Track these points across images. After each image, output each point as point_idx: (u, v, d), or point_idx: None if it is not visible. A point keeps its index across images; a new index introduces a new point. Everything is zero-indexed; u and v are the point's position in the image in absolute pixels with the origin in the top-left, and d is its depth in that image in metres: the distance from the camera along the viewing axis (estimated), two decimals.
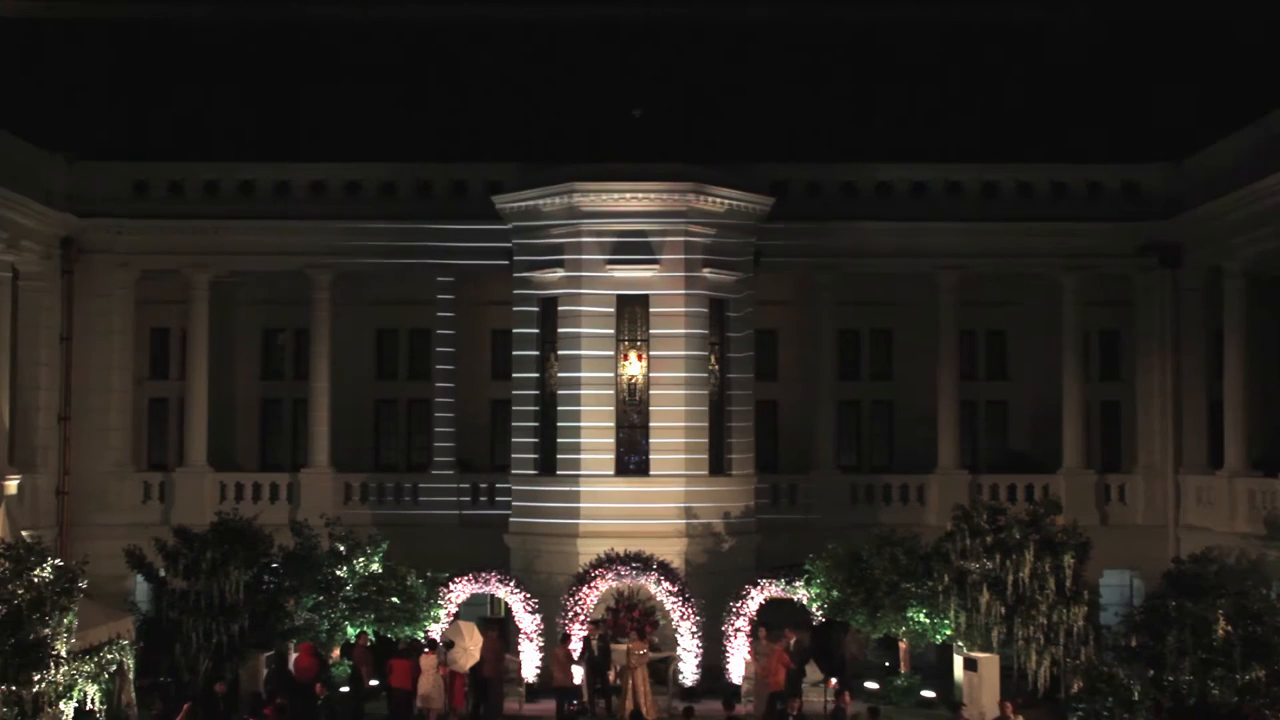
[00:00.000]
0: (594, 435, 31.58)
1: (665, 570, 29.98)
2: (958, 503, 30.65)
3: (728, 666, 30.07)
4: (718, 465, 32.43)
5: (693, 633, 29.72)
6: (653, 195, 31.61)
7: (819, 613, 30.31)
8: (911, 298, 36.47)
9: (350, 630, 29.63)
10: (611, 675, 28.63)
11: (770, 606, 30.71)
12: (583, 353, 31.75)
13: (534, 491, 32.37)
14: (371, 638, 29.56)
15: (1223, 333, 32.67)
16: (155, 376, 37.42)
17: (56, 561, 22.11)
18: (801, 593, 30.43)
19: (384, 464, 37.50)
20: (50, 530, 33.00)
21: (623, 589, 30.37)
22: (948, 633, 28.81)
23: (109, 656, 23.00)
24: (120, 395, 34.68)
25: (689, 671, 29.76)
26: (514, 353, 33.50)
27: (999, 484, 34.85)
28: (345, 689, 28.64)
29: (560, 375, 32.17)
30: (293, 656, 29.04)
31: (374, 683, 28.74)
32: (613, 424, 31.69)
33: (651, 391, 31.77)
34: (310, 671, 27.71)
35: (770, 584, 30.50)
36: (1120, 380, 37.26)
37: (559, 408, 32.12)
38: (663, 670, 29.49)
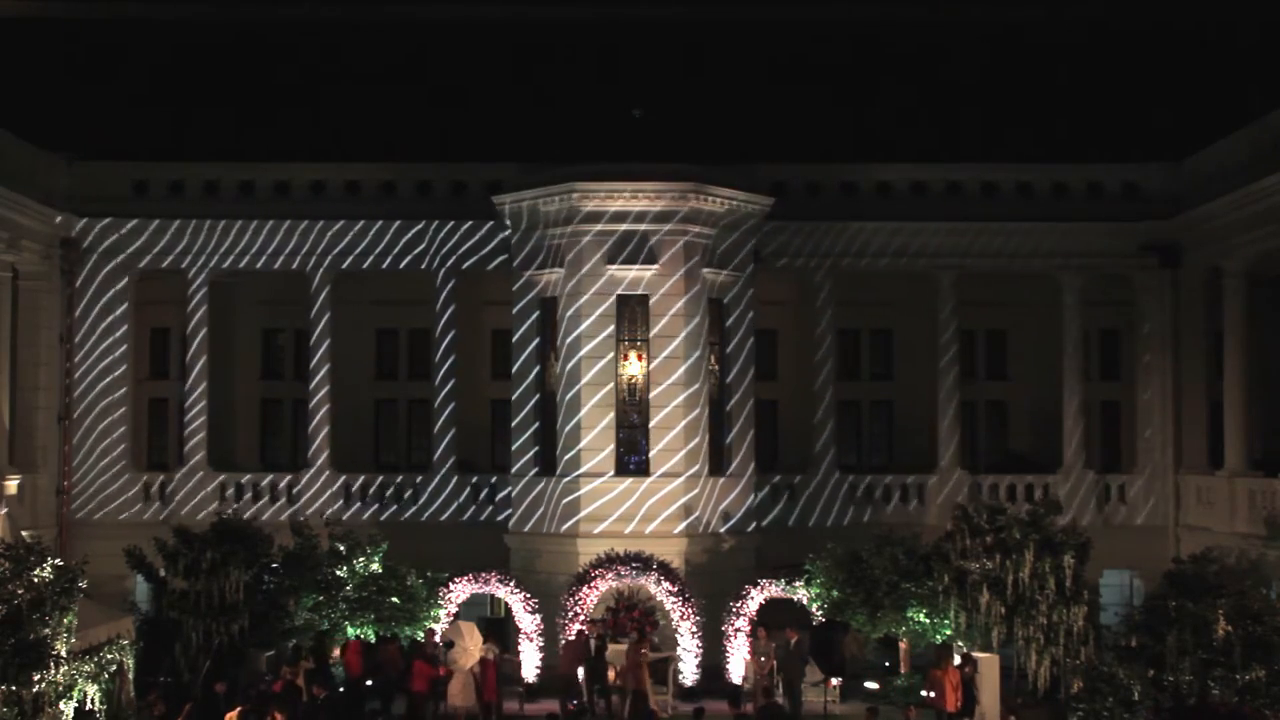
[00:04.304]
0: (594, 435, 31.57)
1: (665, 570, 29.99)
2: (958, 503, 30.67)
3: (728, 666, 30.08)
4: (718, 465, 32.45)
5: (693, 633, 29.73)
6: (653, 195, 31.61)
7: (819, 613, 30.33)
8: (911, 298, 36.46)
9: (350, 630, 29.65)
10: (612, 675, 28.62)
11: (770, 606, 30.72)
12: (583, 353, 31.75)
13: (534, 491, 32.37)
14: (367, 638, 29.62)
15: (1223, 333, 32.65)
16: (155, 376, 37.42)
17: (56, 561, 22.07)
18: (801, 593, 30.45)
19: (384, 464, 37.47)
20: (50, 530, 33.00)
21: (623, 589, 30.38)
22: (948, 633, 28.80)
23: (109, 656, 23.00)
24: (120, 395, 34.67)
25: (689, 671, 29.76)
26: (514, 353, 33.51)
27: (999, 484, 34.86)
28: (343, 689, 28.63)
29: (560, 375, 32.18)
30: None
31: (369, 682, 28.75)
32: (613, 424, 31.69)
33: (651, 391, 31.78)
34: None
35: (770, 584, 30.53)
36: (1120, 380, 37.27)
37: (559, 408, 32.12)
38: (663, 670, 29.48)
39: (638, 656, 27.67)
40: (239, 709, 23.39)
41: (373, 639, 29.55)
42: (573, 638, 28.83)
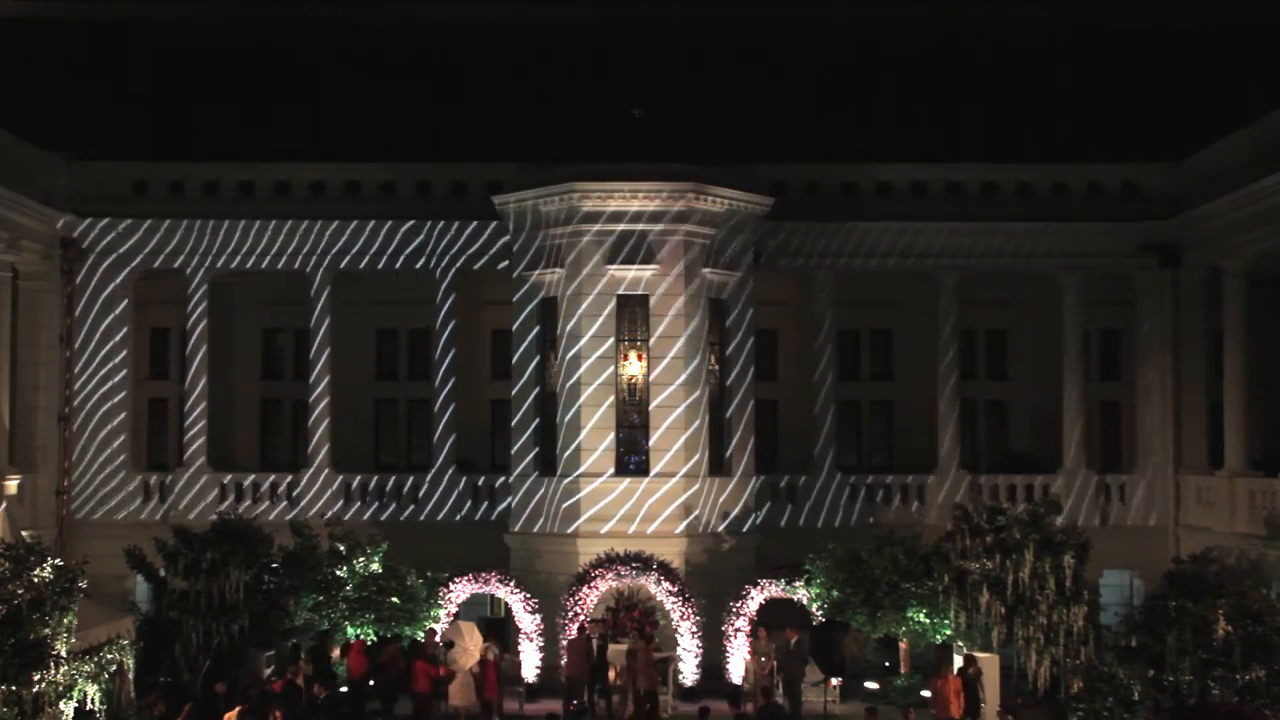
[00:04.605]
0: (594, 435, 31.58)
1: (665, 570, 29.99)
2: (958, 503, 30.65)
3: (728, 666, 30.08)
4: (718, 465, 32.44)
5: (693, 633, 29.73)
6: (653, 195, 31.60)
7: (819, 613, 30.34)
8: (911, 298, 36.46)
9: (350, 630, 29.64)
10: (612, 675, 28.62)
11: (770, 606, 30.72)
12: (583, 353, 31.74)
13: (534, 491, 32.37)
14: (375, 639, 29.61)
15: (1223, 333, 32.66)
16: (155, 376, 37.44)
17: (56, 561, 22.07)
18: (801, 593, 30.45)
19: (384, 464, 37.47)
20: (50, 530, 33.01)
21: (623, 589, 30.38)
22: (948, 633, 28.81)
23: (109, 656, 23.01)
24: (120, 395, 34.66)
25: (689, 671, 29.75)
26: (514, 353, 33.52)
27: (999, 484, 34.85)
28: (346, 689, 28.67)
29: (560, 375, 32.18)
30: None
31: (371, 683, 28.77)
32: (613, 424, 31.68)
33: (651, 391, 31.78)
34: (361, 670, 28.02)
35: (770, 584, 30.53)
36: (1120, 380, 37.27)
37: (559, 408, 32.13)
38: (663, 670, 29.47)
39: (649, 656, 27.72)
40: (239, 709, 23.42)
41: (373, 639, 29.57)
42: (574, 636, 28.83)
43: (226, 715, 23.25)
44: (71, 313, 34.38)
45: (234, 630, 27.35)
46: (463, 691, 27.48)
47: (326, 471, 34.67)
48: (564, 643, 29.43)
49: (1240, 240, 31.43)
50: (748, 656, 29.56)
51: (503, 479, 34.15)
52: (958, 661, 28.12)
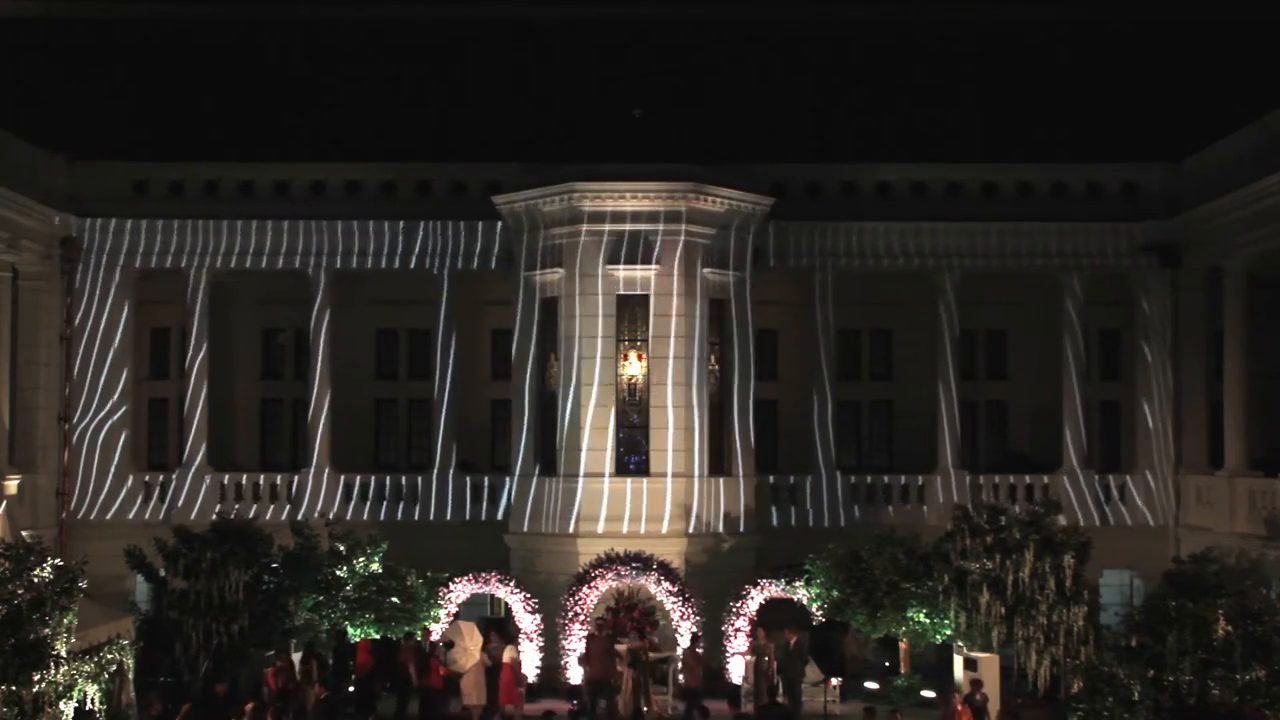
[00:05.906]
0: (594, 435, 31.58)
1: (665, 570, 29.99)
2: (958, 503, 30.65)
3: (728, 666, 30.08)
4: (718, 465, 32.44)
5: (693, 633, 29.71)
6: (653, 195, 31.62)
7: (819, 613, 30.34)
8: (911, 298, 36.46)
9: (352, 630, 29.63)
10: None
11: (770, 606, 30.72)
12: (582, 353, 31.75)
13: (534, 491, 32.37)
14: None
15: (1223, 333, 32.67)
16: (155, 376, 37.41)
17: (56, 561, 22.07)
18: (801, 593, 30.46)
19: (384, 464, 37.47)
20: (50, 530, 33.01)
21: (623, 589, 30.38)
22: (948, 633, 28.81)
23: (109, 656, 23.01)
24: (120, 395, 34.66)
25: None
26: (514, 353, 33.52)
27: (999, 484, 34.85)
28: (353, 688, 28.72)
29: (560, 375, 32.17)
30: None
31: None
32: (613, 424, 31.69)
33: (651, 391, 31.78)
34: (368, 667, 28.14)
35: (770, 584, 30.55)
36: (1120, 380, 37.27)
37: (559, 408, 32.13)
38: (663, 670, 29.49)
39: (694, 657, 27.77)
40: (251, 705, 23.50)
41: (374, 637, 29.58)
42: (589, 635, 28.77)
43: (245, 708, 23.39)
44: (71, 313, 34.39)
45: (234, 630, 27.35)
46: (476, 690, 27.45)
47: (326, 471, 34.68)
48: (565, 645, 29.45)
49: (1240, 240, 31.43)
50: (748, 656, 29.52)
51: (503, 479, 34.14)
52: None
